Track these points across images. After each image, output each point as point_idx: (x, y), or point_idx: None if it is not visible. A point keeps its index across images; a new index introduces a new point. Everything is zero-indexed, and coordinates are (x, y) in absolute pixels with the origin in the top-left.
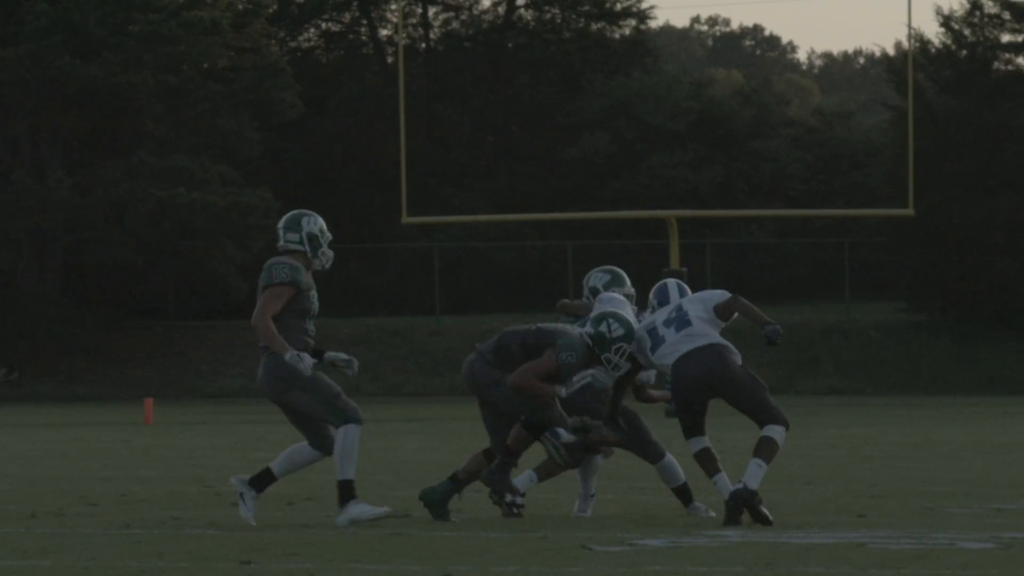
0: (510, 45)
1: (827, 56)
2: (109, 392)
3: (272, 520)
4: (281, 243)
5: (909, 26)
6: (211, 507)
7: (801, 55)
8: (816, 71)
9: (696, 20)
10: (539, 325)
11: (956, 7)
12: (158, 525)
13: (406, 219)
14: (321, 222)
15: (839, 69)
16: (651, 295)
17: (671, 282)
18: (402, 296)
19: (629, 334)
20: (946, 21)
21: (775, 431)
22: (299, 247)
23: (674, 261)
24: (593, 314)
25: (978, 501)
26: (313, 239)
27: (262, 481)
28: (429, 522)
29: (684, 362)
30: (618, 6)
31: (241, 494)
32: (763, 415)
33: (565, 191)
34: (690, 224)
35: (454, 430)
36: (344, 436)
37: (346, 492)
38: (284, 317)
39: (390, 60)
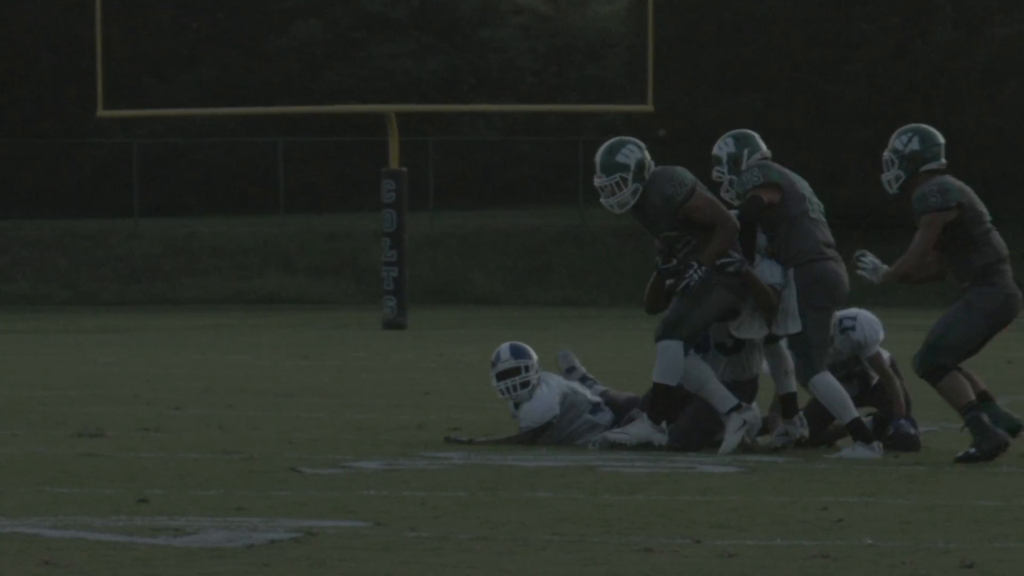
0: None
1: None
2: None
3: None
4: None
5: None
6: None
7: None
8: None
9: None
10: None
11: None
12: None
13: (102, 112)
14: None
15: None
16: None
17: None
18: (97, 196)
19: None
20: None
21: None
22: None
23: (394, 160)
24: None
25: None
26: None
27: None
28: (123, 442)
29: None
30: None
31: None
32: None
33: (275, 83)
34: (411, 120)
35: (153, 341)
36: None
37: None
38: None
39: None
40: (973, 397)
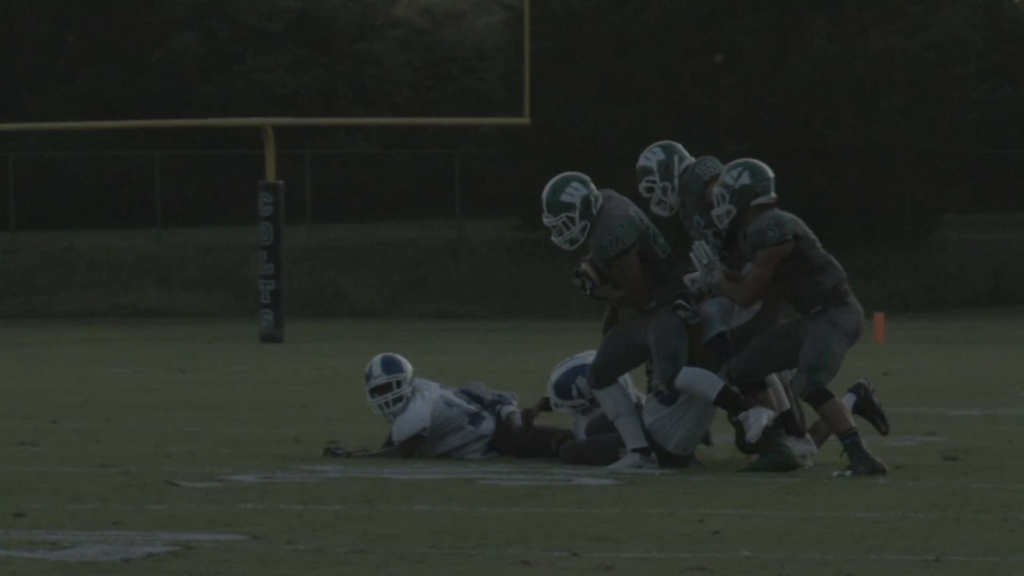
0: None
1: None
2: None
3: None
4: None
5: None
6: None
7: None
8: None
9: None
10: None
11: None
12: None
13: None
14: None
15: None
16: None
17: None
18: None
19: None
20: None
21: None
22: None
23: (270, 173)
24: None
25: None
26: None
27: None
28: None
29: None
30: None
31: None
32: None
33: (152, 96)
34: (288, 133)
35: (30, 355)
36: None
37: None
38: None
39: None
40: (853, 423)
